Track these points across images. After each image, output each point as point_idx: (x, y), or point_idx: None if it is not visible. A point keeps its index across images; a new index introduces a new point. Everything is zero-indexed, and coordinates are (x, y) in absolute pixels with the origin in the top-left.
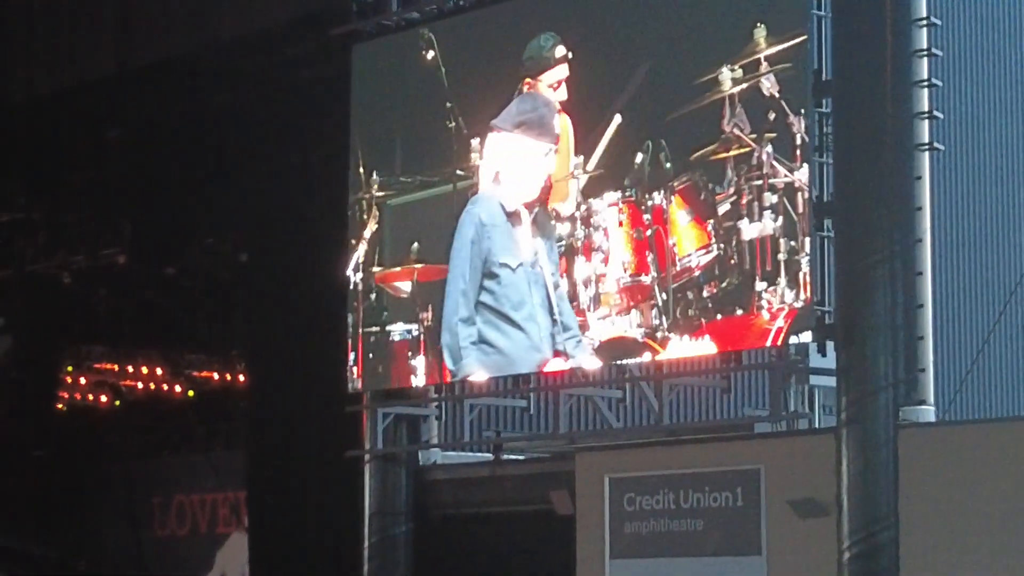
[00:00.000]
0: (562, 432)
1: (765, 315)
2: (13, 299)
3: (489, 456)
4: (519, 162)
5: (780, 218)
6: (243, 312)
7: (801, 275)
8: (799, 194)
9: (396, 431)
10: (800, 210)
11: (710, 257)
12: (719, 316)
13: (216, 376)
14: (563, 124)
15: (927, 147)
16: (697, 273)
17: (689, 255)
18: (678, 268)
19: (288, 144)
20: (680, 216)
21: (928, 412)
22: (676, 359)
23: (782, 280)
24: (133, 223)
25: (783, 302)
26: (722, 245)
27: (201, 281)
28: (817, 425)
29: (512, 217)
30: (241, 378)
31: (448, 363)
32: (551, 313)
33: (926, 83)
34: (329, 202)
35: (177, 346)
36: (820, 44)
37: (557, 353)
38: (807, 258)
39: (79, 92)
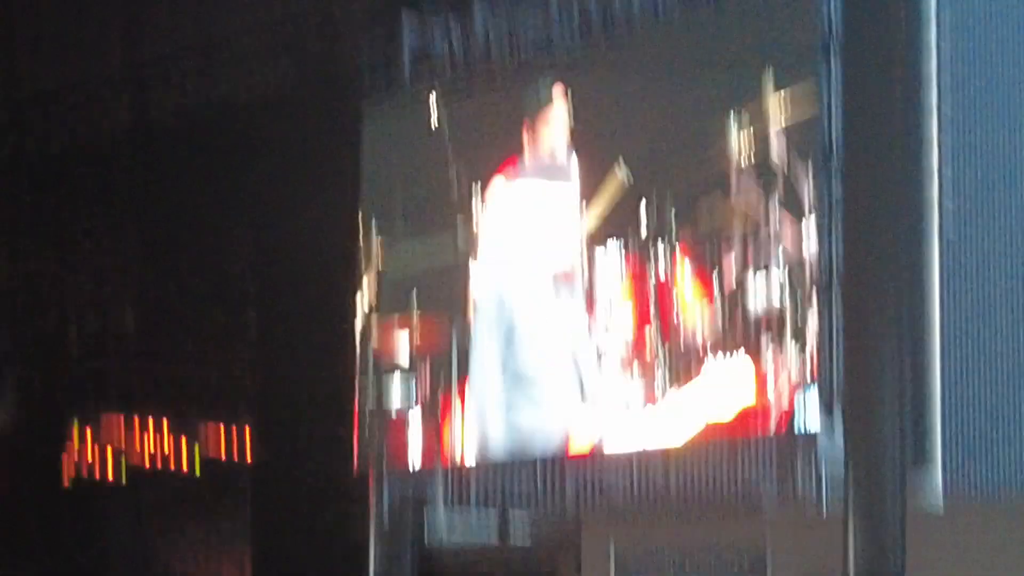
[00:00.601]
0: (569, 504)
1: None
2: (19, 354)
3: (495, 531)
4: (540, 213)
5: (786, 274)
6: (252, 384)
7: (807, 345)
8: (807, 259)
9: (403, 508)
10: (809, 274)
11: (714, 310)
12: (715, 371)
13: (223, 447)
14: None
15: (939, 209)
16: (700, 327)
17: (692, 308)
18: (681, 322)
19: (300, 207)
20: (684, 268)
21: (936, 480)
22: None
23: (788, 334)
24: (142, 288)
25: (786, 367)
26: (726, 298)
27: (211, 351)
28: (824, 500)
29: (538, 277)
30: (248, 449)
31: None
32: (581, 387)
33: (937, 140)
34: (342, 278)
35: (185, 416)
36: (829, 109)
37: (582, 424)
38: (813, 310)
39: (94, 154)
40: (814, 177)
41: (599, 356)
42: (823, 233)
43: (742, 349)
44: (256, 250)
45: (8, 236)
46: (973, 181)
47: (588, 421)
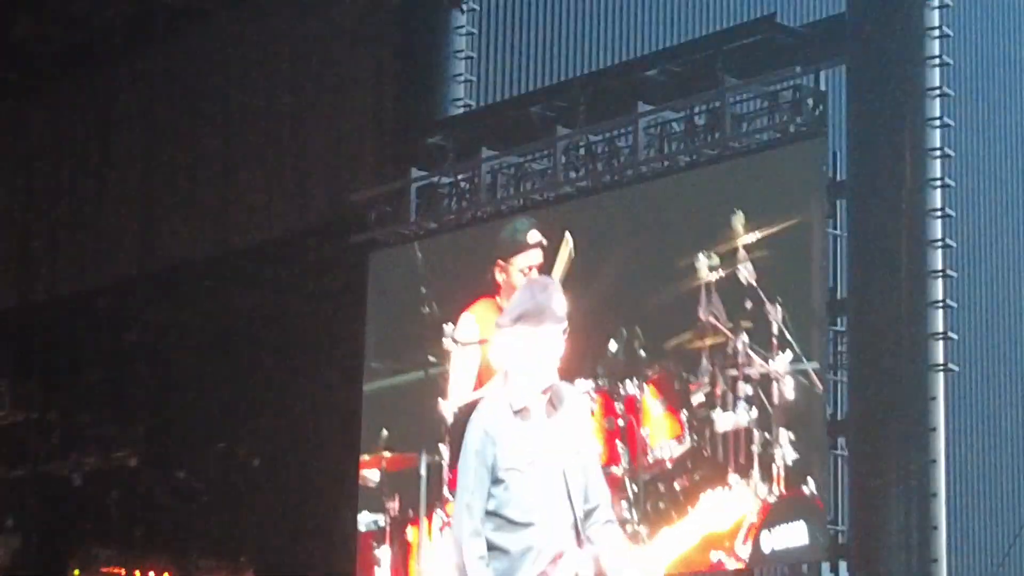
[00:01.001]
0: None
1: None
2: (24, 499)
3: None
4: (526, 356)
5: (755, 409)
6: (254, 516)
7: (775, 468)
8: (774, 384)
9: None
10: (776, 401)
11: (683, 449)
12: (689, 509)
13: None
14: None
15: (942, 367)
16: (669, 466)
17: (662, 446)
18: (650, 460)
19: (303, 353)
20: (653, 406)
21: None
22: None
23: (755, 473)
24: (146, 426)
25: (756, 496)
26: (695, 436)
27: (213, 484)
28: None
29: (522, 413)
30: None
31: None
32: (572, 504)
33: (941, 304)
34: (345, 410)
35: (187, 550)
36: (835, 265)
37: (579, 541)
38: (780, 450)
39: (99, 294)
40: (783, 299)
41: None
42: (828, 384)
43: (710, 469)
44: (260, 388)
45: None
46: (977, 322)
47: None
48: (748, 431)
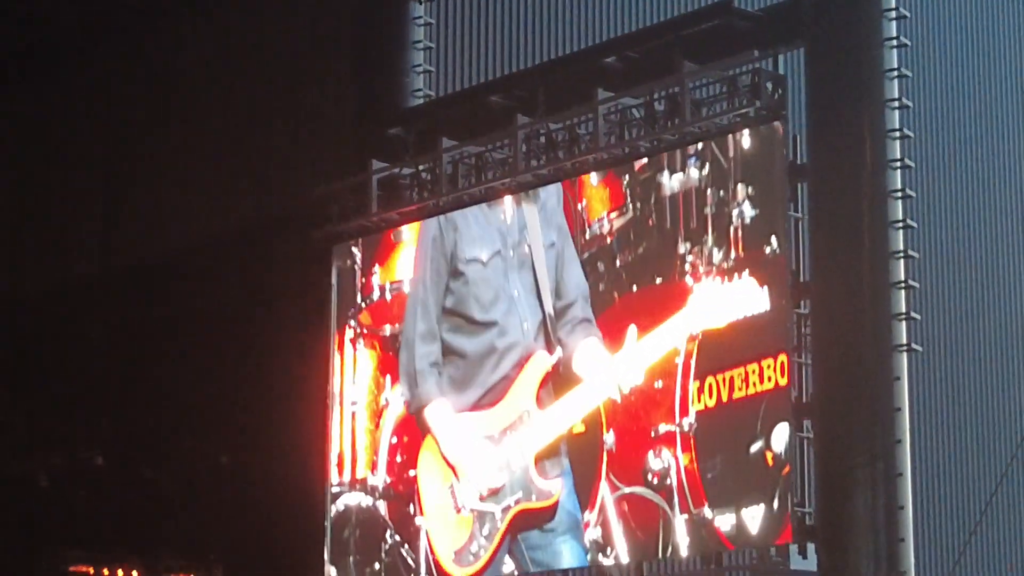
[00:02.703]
0: None
1: (689, 281)
2: None
3: None
4: None
5: (707, 166)
6: (222, 514)
7: (732, 229)
8: (729, 137)
9: None
10: (731, 154)
11: (625, 220)
12: (635, 287)
13: None
14: None
15: (906, 348)
16: (610, 240)
17: (601, 219)
18: (587, 236)
19: (269, 346)
20: (589, 176)
21: None
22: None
23: (709, 238)
24: (112, 425)
25: (710, 264)
26: (638, 204)
27: (180, 483)
28: None
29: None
30: None
31: (404, 392)
32: (541, 302)
33: (903, 284)
34: (311, 405)
35: (155, 548)
36: (798, 244)
37: (549, 345)
38: (738, 209)
39: (64, 293)
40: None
41: None
42: (793, 366)
43: (656, 239)
44: (227, 385)
45: None
46: (940, 302)
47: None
48: (699, 191)
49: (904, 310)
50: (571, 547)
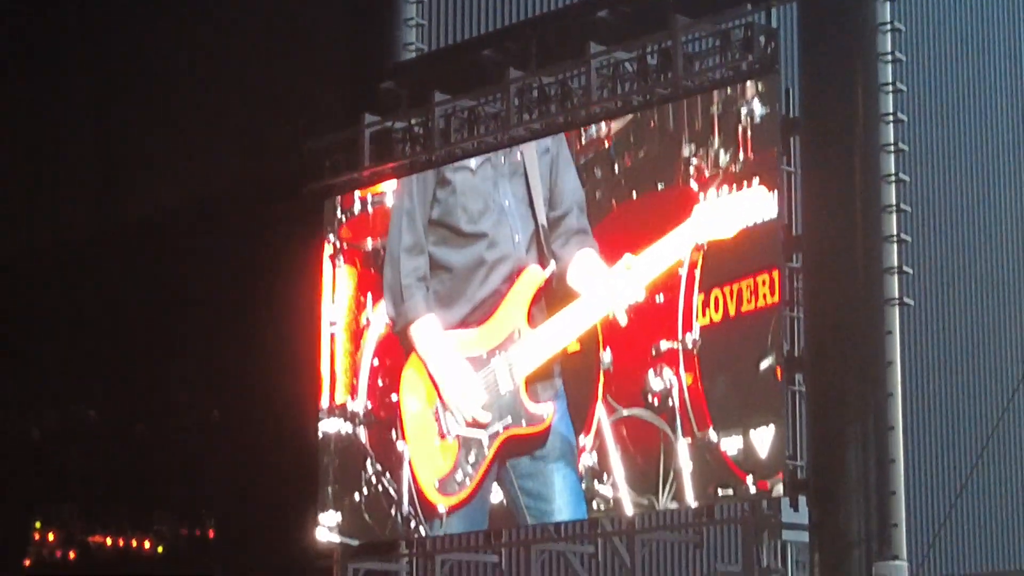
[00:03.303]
0: None
1: (693, 186)
2: None
3: None
4: None
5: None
6: (214, 469)
7: (740, 130)
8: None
9: None
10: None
11: (624, 122)
12: (634, 194)
13: (186, 533)
14: None
15: (897, 302)
16: (608, 145)
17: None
18: (584, 141)
19: (262, 302)
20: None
21: (901, 567)
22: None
23: (715, 140)
24: (105, 381)
25: (717, 167)
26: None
27: (172, 438)
28: None
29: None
30: (211, 535)
31: (389, 309)
32: (534, 212)
33: (895, 238)
34: (304, 358)
35: (147, 503)
36: (790, 200)
37: (542, 258)
38: (747, 107)
39: (58, 253)
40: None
41: None
42: (784, 320)
43: (658, 142)
44: (219, 341)
45: None
46: (932, 256)
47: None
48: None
49: (896, 264)
50: (564, 475)
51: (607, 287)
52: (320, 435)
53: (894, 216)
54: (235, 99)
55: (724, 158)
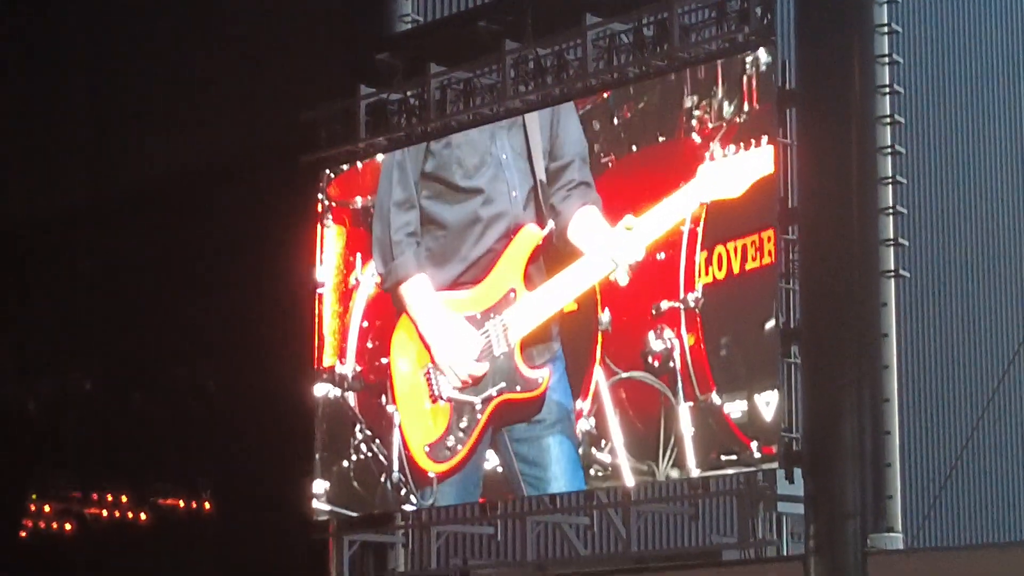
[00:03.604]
0: (529, 559)
1: (695, 138)
2: None
3: None
4: None
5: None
6: (210, 440)
7: (745, 79)
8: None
9: (363, 559)
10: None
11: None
12: (634, 148)
13: (182, 504)
14: None
15: (893, 274)
16: (606, 95)
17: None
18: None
19: (258, 272)
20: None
21: (896, 539)
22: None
23: (719, 90)
24: (101, 350)
25: (720, 118)
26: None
27: (168, 408)
28: (785, 552)
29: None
30: (207, 506)
31: (378, 266)
32: (532, 166)
33: (891, 210)
34: (299, 328)
35: (143, 474)
36: (787, 170)
37: (540, 216)
38: (752, 55)
39: (53, 221)
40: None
41: None
42: (780, 292)
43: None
44: (215, 311)
45: None
46: (927, 228)
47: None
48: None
49: (892, 236)
50: (560, 440)
51: (609, 247)
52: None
53: (890, 188)
54: (231, 70)
55: (728, 109)
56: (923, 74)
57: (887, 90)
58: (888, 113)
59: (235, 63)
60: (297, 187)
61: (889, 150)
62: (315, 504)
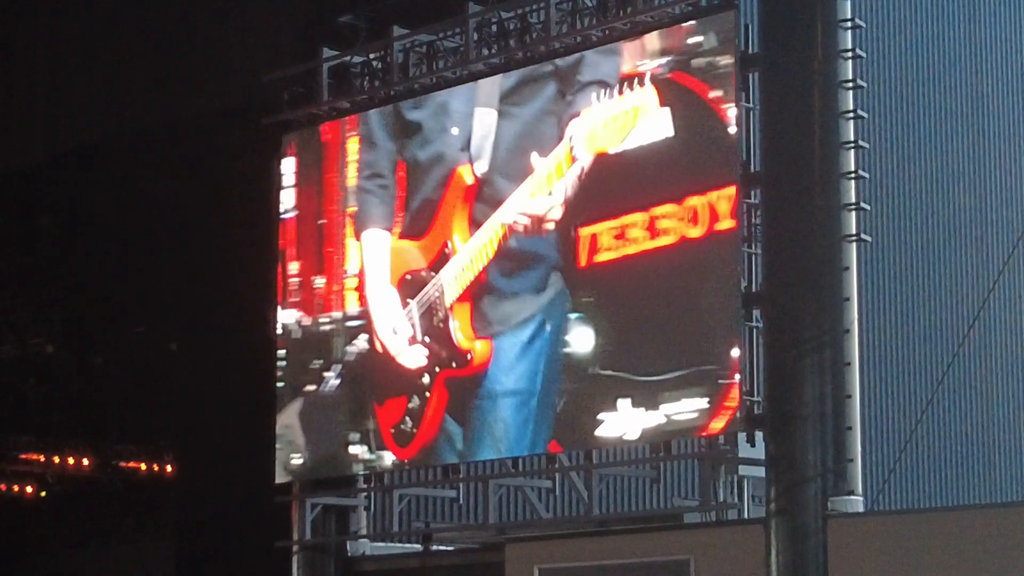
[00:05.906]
0: (492, 523)
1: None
2: None
3: (419, 547)
4: None
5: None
6: (172, 402)
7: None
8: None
9: (325, 521)
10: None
11: None
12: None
13: (144, 467)
14: None
15: (855, 238)
16: None
17: None
18: None
19: (218, 232)
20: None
21: (857, 502)
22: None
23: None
24: (62, 312)
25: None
26: None
27: (130, 370)
28: (747, 515)
29: None
30: (169, 468)
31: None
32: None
33: (853, 175)
34: (259, 288)
35: (105, 436)
36: (749, 136)
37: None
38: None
39: (10, 179)
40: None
41: None
42: (742, 256)
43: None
44: (176, 272)
45: None
46: (889, 192)
47: None
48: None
49: (854, 200)
50: (515, 408)
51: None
52: (279, 329)
53: (852, 152)
54: (193, 30)
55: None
56: (886, 39)
57: (850, 54)
58: (851, 78)
59: (197, 23)
60: (258, 148)
61: (851, 115)
62: (283, 459)
